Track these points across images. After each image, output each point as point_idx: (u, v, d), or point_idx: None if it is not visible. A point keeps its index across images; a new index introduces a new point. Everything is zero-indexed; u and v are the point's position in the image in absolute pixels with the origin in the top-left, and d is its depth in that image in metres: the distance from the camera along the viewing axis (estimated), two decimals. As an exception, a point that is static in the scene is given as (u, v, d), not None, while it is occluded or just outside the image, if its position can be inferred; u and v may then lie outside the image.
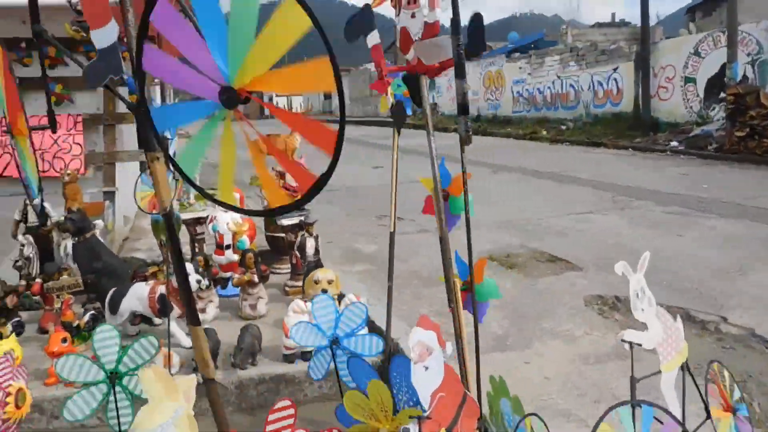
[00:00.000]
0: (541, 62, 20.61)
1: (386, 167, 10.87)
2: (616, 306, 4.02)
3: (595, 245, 5.52)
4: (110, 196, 4.32)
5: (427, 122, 2.07)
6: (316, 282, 3.06)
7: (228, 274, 3.70)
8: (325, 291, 3.01)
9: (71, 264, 3.64)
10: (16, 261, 3.83)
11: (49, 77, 4.15)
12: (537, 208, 7.30)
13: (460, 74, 1.65)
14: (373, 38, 1.98)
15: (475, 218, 1.94)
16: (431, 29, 1.82)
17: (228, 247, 3.81)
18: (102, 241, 3.89)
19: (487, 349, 3.30)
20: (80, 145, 4.21)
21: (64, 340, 2.57)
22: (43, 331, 3.17)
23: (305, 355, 2.79)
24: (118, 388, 1.89)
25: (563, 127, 18.00)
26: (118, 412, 1.90)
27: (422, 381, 1.55)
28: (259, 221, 4.77)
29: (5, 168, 4.06)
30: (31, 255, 3.86)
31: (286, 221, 3.87)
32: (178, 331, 2.99)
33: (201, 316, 3.35)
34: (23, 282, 3.35)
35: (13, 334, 2.90)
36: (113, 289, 3.06)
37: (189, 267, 2.92)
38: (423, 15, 1.81)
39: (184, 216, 4.41)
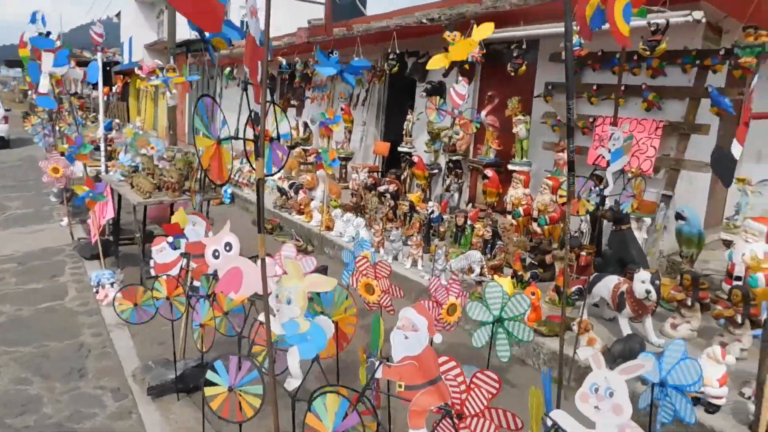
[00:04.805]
0: None
1: None
2: None
3: None
4: (666, 199, 4.58)
5: None
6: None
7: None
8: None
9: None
10: (574, 233, 4.89)
11: (647, 86, 4.79)
12: None
13: None
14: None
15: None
16: None
17: (738, 278, 3.58)
18: (636, 236, 4.39)
19: None
20: (655, 148, 4.63)
21: (533, 293, 3.44)
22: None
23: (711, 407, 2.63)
24: (500, 329, 2.63)
25: None
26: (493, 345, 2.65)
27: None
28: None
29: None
30: (584, 230, 4.85)
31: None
32: (625, 326, 3.32)
33: (671, 332, 3.50)
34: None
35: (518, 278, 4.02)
36: (594, 274, 3.64)
37: (645, 275, 3.15)
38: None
39: (725, 237, 4.30)
